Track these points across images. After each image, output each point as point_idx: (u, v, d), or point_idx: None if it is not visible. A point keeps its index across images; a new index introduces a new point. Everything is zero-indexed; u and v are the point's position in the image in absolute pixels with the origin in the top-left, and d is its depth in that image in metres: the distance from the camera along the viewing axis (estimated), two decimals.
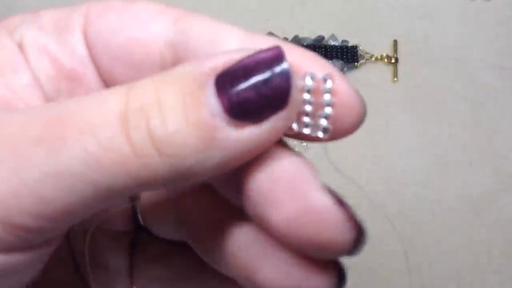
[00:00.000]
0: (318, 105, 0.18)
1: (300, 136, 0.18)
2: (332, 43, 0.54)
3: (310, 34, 0.54)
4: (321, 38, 0.54)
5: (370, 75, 0.54)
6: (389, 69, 0.54)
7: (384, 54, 0.54)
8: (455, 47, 0.55)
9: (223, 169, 0.17)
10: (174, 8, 0.20)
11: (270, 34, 0.53)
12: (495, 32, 0.56)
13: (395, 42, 0.54)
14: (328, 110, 0.18)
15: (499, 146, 0.53)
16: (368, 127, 0.53)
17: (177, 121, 0.16)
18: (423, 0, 0.56)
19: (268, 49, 0.17)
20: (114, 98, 0.17)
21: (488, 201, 0.52)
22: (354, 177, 0.52)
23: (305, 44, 0.53)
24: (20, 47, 0.19)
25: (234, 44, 0.19)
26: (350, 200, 0.55)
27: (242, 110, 0.16)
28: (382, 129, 0.53)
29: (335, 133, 0.18)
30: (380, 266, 0.51)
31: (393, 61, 0.54)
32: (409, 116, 0.53)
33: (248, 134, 0.16)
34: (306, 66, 0.18)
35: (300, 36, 0.54)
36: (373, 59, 0.54)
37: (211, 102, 0.16)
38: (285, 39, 0.53)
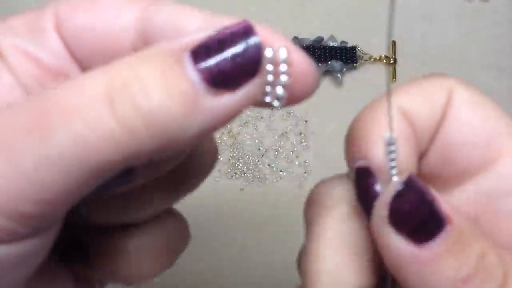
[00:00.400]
0: (276, 75, 0.19)
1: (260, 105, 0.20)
2: (331, 44, 0.54)
3: (309, 35, 0.54)
4: (320, 39, 0.54)
5: (369, 76, 0.54)
6: (387, 70, 0.55)
7: (383, 55, 0.54)
8: (453, 48, 0.55)
9: (203, 135, 0.18)
10: (140, 0, 0.21)
11: None
12: (492, 33, 0.56)
13: (394, 43, 0.55)
14: (284, 78, 0.19)
15: None
16: None
17: (160, 93, 0.17)
18: (421, 1, 0.56)
19: (237, 24, 0.19)
20: (94, 80, 0.18)
21: None
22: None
23: (304, 45, 0.54)
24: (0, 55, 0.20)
25: (196, 25, 0.20)
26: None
27: (219, 80, 0.18)
28: None
29: (292, 99, 0.20)
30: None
31: (391, 62, 0.54)
32: None
33: (226, 100, 0.18)
34: (266, 39, 0.19)
35: (300, 37, 0.54)
36: (371, 60, 0.54)
37: (191, 73, 0.18)
38: None
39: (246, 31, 0.18)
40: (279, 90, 0.20)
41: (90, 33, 0.20)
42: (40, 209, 0.17)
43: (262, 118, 0.53)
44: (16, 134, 0.17)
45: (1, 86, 0.20)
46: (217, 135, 0.53)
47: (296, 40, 0.54)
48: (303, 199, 0.52)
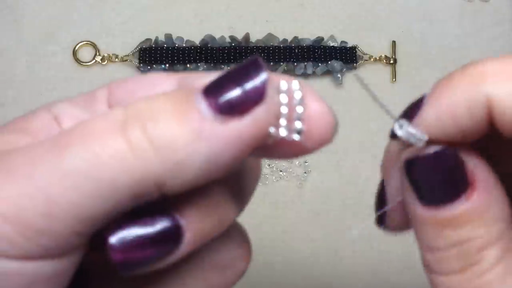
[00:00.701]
0: (291, 108, 0.20)
1: (280, 152, 0.21)
2: (331, 44, 0.54)
3: (309, 35, 0.54)
4: (320, 39, 0.54)
5: (369, 76, 0.54)
6: (387, 70, 0.55)
7: (383, 55, 0.54)
8: (453, 48, 0.55)
9: (214, 164, 0.19)
10: (180, 73, 0.23)
11: (270, 35, 0.54)
12: (493, 33, 0.56)
13: (394, 43, 0.55)
14: (299, 109, 0.20)
15: None
16: (367, 127, 0.54)
17: (168, 120, 0.19)
18: (421, 1, 0.56)
19: (248, 60, 0.20)
20: (115, 111, 0.19)
21: None
22: (353, 178, 0.53)
23: (304, 45, 0.54)
24: (57, 118, 0.23)
25: None
26: (350, 199, 0.55)
27: (225, 107, 0.19)
28: (380, 130, 0.53)
29: (310, 136, 0.21)
30: (381, 266, 0.51)
31: (391, 62, 0.54)
32: None
33: (232, 127, 0.19)
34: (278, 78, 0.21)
35: (300, 37, 0.54)
36: (371, 60, 0.54)
37: (198, 101, 0.19)
38: (285, 40, 0.54)
39: (254, 66, 0.20)
40: (297, 124, 0.20)
41: (134, 97, 0.22)
42: (47, 224, 0.19)
43: None
44: (38, 152, 0.19)
45: None
46: None
47: (296, 40, 0.54)
48: (303, 199, 0.52)
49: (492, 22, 0.56)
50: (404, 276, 0.51)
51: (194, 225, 0.21)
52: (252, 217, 0.51)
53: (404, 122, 0.23)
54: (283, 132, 0.20)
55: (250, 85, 0.19)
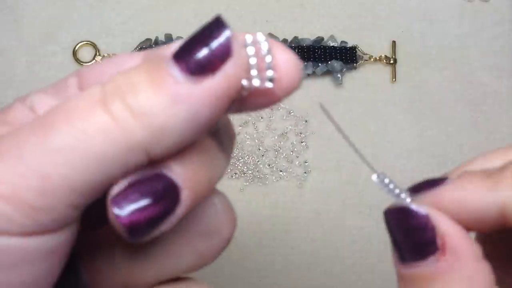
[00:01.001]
0: (261, 59, 0.21)
1: (253, 103, 0.22)
2: (331, 44, 0.54)
3: (309, 35, 0.54)
4: (320, 39, 0.54)
5: (369, 76, 0.54)
6: (387, 70, 0.54)
7: (383, 55, 0.54)
8: (453, 48, 0.55)
9: (195, 123, 0.20)
10: (143, 51, 0.24)
11: (270, 35, 0.54)
12: (493, 33, 0.56)
13: (394, 43, 0.55)
14: (268, 59, 0.21)
15: (496, 146, 0.53)
16: (367, 127, 0.54)
17: (145, 89, 0.20)
18: (421, 1, 0.56)
19: (210, 20, 0.21)
20: (94, 88, 0.20)
21: None
22: (353, 178, 0.53)
23: (304, 45, 0.54)
24: (32, 108, 0.24)
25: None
26: (351, 199, 0.55)
27: (196, 67, 0.20)
28: (380, 130, 0.53)
29: (282, 88, 0.22)
30: (380, 266, 0.51)
31: (391, 62, 0.54)
32: (407, 117, 0.54)
33: (206, 85, 0.20)
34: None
35: (300, 37, 0.54)
36: (372, 60, 0.54)
37: (170, 67, 0.20)
38: (285, 40, 0.54)
39: (217, 25, 0.21)
40: (269, 72, 0.21)
41: (103, 78, 0.23)
42: (42, 200, 0.19)
43: (262, 118, 0.53)
44: (25, 133, 0.20)
45: None
46: None
47: (296, 40, 0.54)
48: (303, 199, 0.52)
49: (492, 22, 0.56)
50: None
51: (189, 181, 0.21)
52: (252, 217, 0.51)
53: (382, 174, 0.26)
54: (256, 82, 0.21)
55: (215, 43, 0.20)
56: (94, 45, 0.54)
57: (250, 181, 0.52)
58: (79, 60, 0.53)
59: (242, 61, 0.21)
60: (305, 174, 0.52)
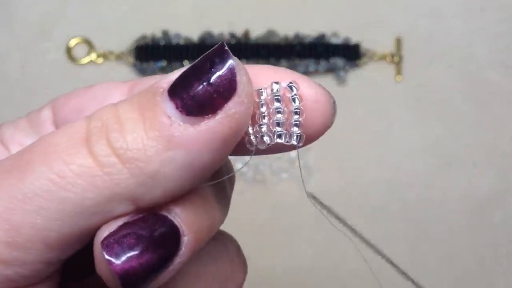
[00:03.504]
0: (288, 113, 0.19)
1: (275, 148, 0.19)
2: (334, 40, 0.53)
3: (311, 31, 0.53)
4: (323, 35, 0.53)
5: (373, 74, 0.54)
6: (392, 68, 0.54)
7: (388, 52, 0.53)
8: (459, 45, 0.55)
9: (192, 170, 0.17)
10: (129, 80, 0.22)
11: (271, 32, 0.53)
12: (500, 30, 0.55)
13: (399, 40, 0.54)
14: (296, 116, 0.19)
15: (504, 146, 0.53)
16: (372, 127, 0.53)
17: (134, 128, 0.17)
18: None
19: (212, 49, 0.18)
20: (78, 123, 0.18)
21: (493, 202, 0.52)
22: (356, 179, 0.52)
23: (306, 42, 0.52)
24: (2, 142, 0.21)
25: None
26: (353, 201, 0.54)
27: (194, 106, 0.17)
28: (385, 129, 0.53)
29: (310, 133, 0.19)
30: (384, 269, 0.51)
31: (396, 59, 0.53)
32: (413, 116, 0.53)
33: (205, 127, 0.17)
34: (269, 76, 0.19)
35: (301, 33, 0.53)
36: (376, 57, 0.53)
37: (165, 104, 0.17)
38: (286, 37, 0.53)
39: (219, 54, 0.18)
40: (295, 129, 0.19)
41: (82, 115, 0.21)
42: (10, 254, 0.17)
43: None
44: None
45: None
46: None
47: (298, 37, 0.53)
48: (304, 201, 0.51)
49: (499, 19, 0.55)
50: (408, 279, 0.51)
51: (191, 226, 0.19)
52: (253, 219, 0.51)
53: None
54: (280, 140, 0.18)
55: (216, 77, 0.17)
56: (88, 42, 0.52)
57: (250, 183, 0.52)
58: (73, 57, 0.52)
59: (249, 99, 0.18)
60: (307, 176, 0.51)
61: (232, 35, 0.52)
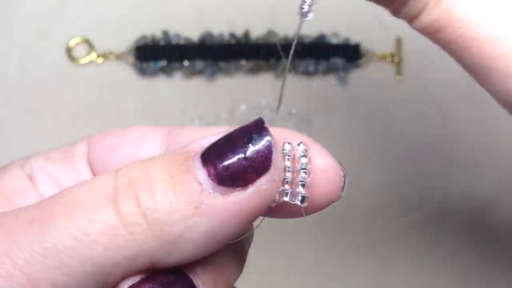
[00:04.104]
0: (296, 172, 0.19)
1: (280, 212, 0.19)
2: (334, 41, 0.53)
3: (311, 31, 0.53)
4: (322, 35, 0.53)
5: (373, 75, 0.53)
6: (392, 68, 0.54)
7: (388, 52, 0.53)
8: None
9: (214, 238, 0.18)
10: (166, 126, 0.22)
11: (271, 31, 0.53)
12: None
13: (399, 40, 0.54)
14: (303, 175, 0.19)
15: (505, 146, 0.53)
16: (372, 127, 0.53)
17: (164, 190, 0.17)
18: None
19: (251, 122, 0.18)
20: (104, 178, 0.18)
21: (495, 202, 0.51)
22: (357, 180, 0.52)
23: (306, 42, 0.52)
24: (30, 176, 0.21)
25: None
26: (354, 201, 0.54)
27: (227, 178, 0.17)
28: (386, 129, 0.53)
29: (316, 199, 0.19)
30: (386, 269, 0.51)
31: (397, 59, 0.53)
32: (413, 117, 0.53)
33: (234, 199, 0.17)
34: (285, 139, 0.19)
35: (301, 33, 0.53)
36: (376, 57, 0.53)
37: (197, 170, 0.17)
38: (286, 37, 0.53)
39: (257, 129, 0.18)
40: (300, 189, 0.19)
41: (116, 156, 0.21)
42: None
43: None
44: (19, 225, 0.17)
45: (26, 205, 0.20)
46: None
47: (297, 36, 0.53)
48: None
49: None
50: (409, 280, 0.51)
51: (209, 285, 0.19)
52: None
53: None
54: (287, 198, 0.19)
55: (253, 152, 0.17)
56: (88, 42, 0.52)
57: None
58: (73, 57, 0.52)
59: (280, 177, 0.18)
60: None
61: (232, 35, 0.52)
